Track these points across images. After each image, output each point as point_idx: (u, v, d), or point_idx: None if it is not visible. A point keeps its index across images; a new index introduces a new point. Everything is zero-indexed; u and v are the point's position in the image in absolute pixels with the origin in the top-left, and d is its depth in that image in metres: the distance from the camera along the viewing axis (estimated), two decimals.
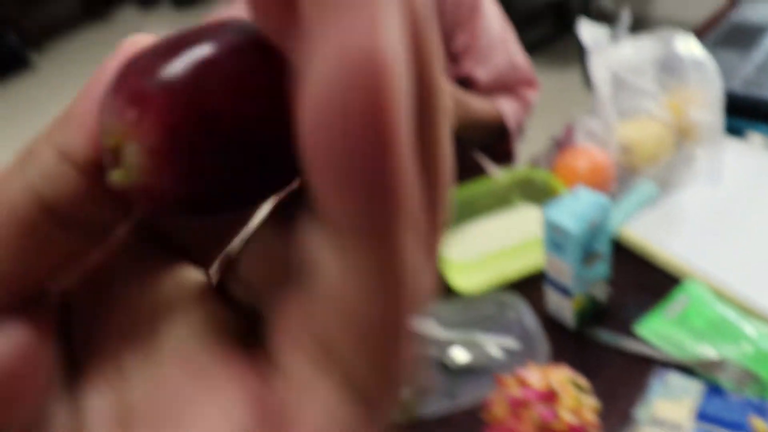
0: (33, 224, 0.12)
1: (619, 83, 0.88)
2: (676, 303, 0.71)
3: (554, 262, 0.68)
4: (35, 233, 0.12)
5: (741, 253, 0.76)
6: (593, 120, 0.88)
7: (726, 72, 0.99)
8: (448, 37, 0.99)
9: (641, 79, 0.87)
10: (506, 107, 1.00)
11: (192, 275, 0.15)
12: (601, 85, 0.86)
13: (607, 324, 0.72)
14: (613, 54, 0.88)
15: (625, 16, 0.92)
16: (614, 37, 0.92)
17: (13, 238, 0.12)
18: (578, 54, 2.71)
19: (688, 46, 0.85)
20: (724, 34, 1.16)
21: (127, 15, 5.68)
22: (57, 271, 0.13)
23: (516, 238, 0.79)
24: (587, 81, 2.64)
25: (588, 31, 0.90)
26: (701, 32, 1.21)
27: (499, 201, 0.87)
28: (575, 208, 0.64)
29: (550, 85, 2.72)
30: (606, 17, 2.97)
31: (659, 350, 0.67)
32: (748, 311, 0.69)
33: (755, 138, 0.94)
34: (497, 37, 0.99)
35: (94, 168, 0.12)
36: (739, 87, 1.00)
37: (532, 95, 1.04)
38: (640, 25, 2.89)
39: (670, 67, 0.87)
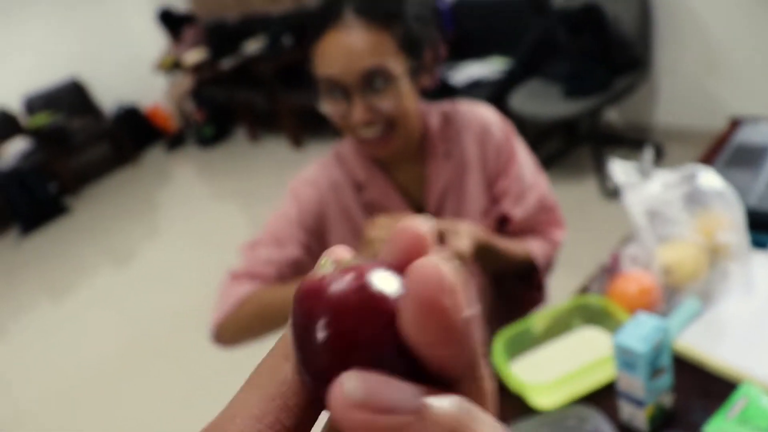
0: None
1: (652, 213, 1.03)
2: (736, 405, 0.82)
3: (626, 378, 0.80)
4: None
5: None
6: (635, 247, 1.02)
7: (740, 190, 1.14)
8: (491, 183, 1.15)
9: (671, 209, 1.02)
10: (535, 247, 1.14)
11: None
12: (638, 217, 1.01)
13: (677, 428, 0.82)
14: (644, 190, 1.03)
15: (648, 153, 1.08)
16: (642, 172, 1.07)
17: None
18: (592, 164, 2.92)
19: (709, 179, 1.00)
20: (731, 156, 1.32)
21: (155, 157, 6.05)
22: None
23: (584, 358, 0.91)
24: (604, 190, 2.80)
25: (619, 169, 1.06)
26: (710, 156, 1.37)
27: (562, 326, 1.00)
28: (640, 332, 0.77)
29: (567, 195, 2.91)
30: (612, 132, 3.19)
31: None
32: None
33: None
34: (529, 182, 1.15)
35: None
36: (754, 203, 1.14)
37: (560, 235, 1.19)
38: (641, 134, 3.11)
39: (695, 198, 1.01)
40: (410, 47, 1.00)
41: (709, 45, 2.75)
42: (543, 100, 2.78)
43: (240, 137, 5.58)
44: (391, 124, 1.01)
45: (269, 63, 4.64)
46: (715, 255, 1.00)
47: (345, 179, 1.13)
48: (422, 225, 0.20)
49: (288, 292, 1.01)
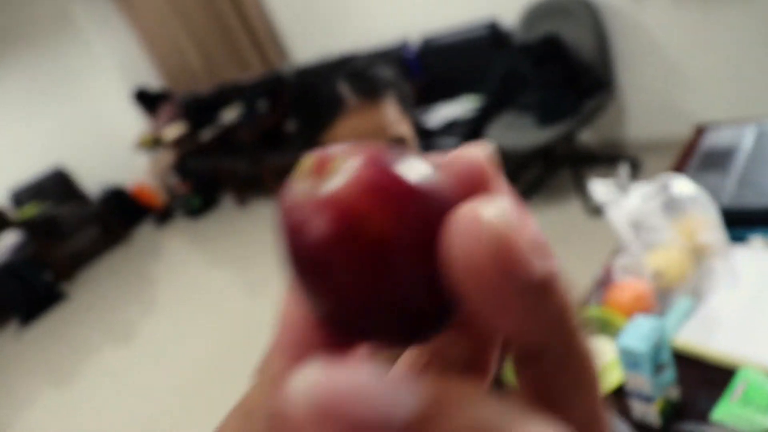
0: None
1: (635, 225, 1.11)
2: (737, 389, 0.88)
3: (632, 378, 0.86)
4: None
5: None
6: (624, 257, 1.10)
7: (713, 191, 1.22)
8: None
9: (652, 218, 1.10)
10: None
11: None
12: (623, 229, 1.08)
13: (688, 418, 0.89)
14: (624, 204, 1.11)
15: (624, 170, 1.17)
16: (620, 186, 1.15)
17: None
18: (573, 186, 3.01)
19: (682, 186, 1.09)
20: (700, 161, 1.41)
21: (145, 233, 6.09)
22: None
23: None
24: (587, 208, 2.88)
25: (599, 188, 1.14)
26: (681, 163, 1.46)
27: None
28: (639, 332, 0.84)
29: (554, 217, 3.00)
30: (588, 152, 3.31)
31: (735, 429, 0.84)
32: None
33: (756, 241, 1.15)
34: None
35: None
36: (727, 202, 1.23)
37: None
38: (616, 150, 3.22)
39: (672, 205, 1.09)
40: (406, 108, 1.06)
41: (666, 58, 2.88)
42: (518, 131, 2.89)
43: (227, 204, 5.65)
44: None
45: (248, 129, 4.75)
46: (698, 255, 1.08)
47: None
48: (480, 150, 0.16)
49: None
